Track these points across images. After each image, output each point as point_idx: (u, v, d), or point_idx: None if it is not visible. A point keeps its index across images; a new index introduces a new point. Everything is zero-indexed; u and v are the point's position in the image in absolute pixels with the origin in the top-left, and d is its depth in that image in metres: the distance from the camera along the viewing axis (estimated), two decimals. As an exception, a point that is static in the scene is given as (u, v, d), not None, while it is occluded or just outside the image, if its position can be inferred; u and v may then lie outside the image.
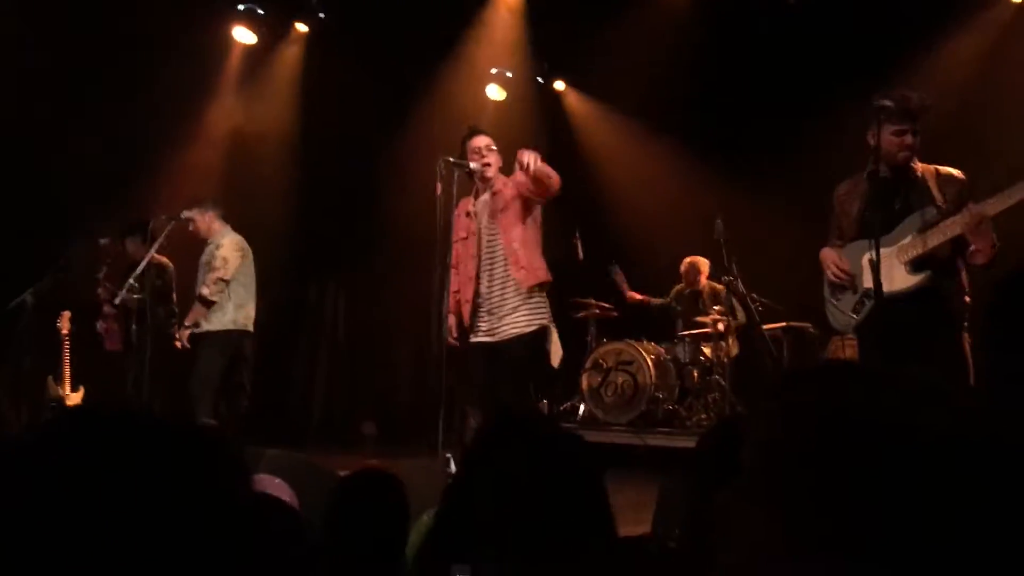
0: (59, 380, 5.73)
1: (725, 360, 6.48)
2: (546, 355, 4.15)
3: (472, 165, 4.20)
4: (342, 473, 2.41)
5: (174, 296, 5.91)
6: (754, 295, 6.42)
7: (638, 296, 7.32)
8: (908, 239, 3.46)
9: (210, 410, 5.19)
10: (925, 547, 0.56)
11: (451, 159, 4.18)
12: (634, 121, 8.06)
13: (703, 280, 7.14)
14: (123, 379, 5.65)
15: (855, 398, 0.64)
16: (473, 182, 4.33)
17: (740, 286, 6.32)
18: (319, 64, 7.76)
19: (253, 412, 5.63)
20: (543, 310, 4.15)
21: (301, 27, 7.84)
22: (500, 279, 4.15)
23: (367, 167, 8.10)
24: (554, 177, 4.00)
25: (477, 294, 4.19)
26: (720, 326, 6.55)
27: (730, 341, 6.63)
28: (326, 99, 7.68)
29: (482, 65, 7.96)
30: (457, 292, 4.26)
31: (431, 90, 7.86)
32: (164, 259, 5.80)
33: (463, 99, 7.78)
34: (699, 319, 6.86)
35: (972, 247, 3.32)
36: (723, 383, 6.39)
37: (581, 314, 7.16)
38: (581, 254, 7.01)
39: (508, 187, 4.21)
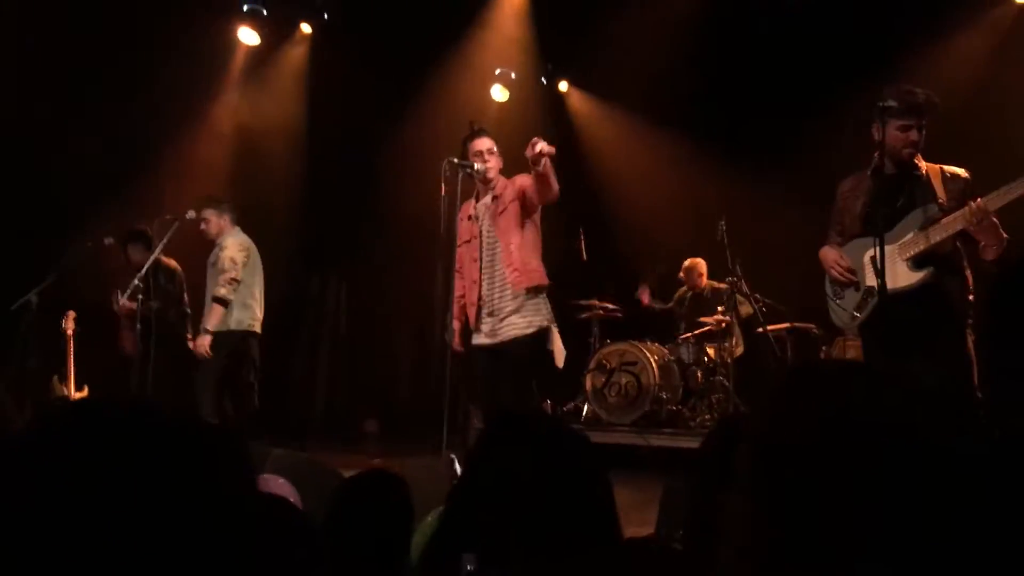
0: (64, 380, 5.74)
1: (729, 361, 6.47)
2: (548, 356, 4.14)
3: (476, 166, 4.20)
4: (346, 473, 2.42)
5: (185, 297, 5.93)
6: (757, 295, 6.42)
7: (645, 301, 7.34)
8: (910, 236, 3.46)
9: (212, 410, 5.19)
10: (925, 547, 0.56)
11: (455, 160, 4.19)
12: (637, 121, 8.06)
13: (703, 281, 7.16)
14: (128, 380, 5.66)
15: (856, 399, 0.64)
16: (475, 183, 4.34)
17: (744, 287, 6.33)
18: (323, 64, 7.77)
19: (256, 409, 5.64)
20: (543, 311, 4.15)
21: (305, 28, 7.86)
22: (500, 281, 4.15)
23: (371, 166, 8.12)
24: (555, 185, 3.99)
25: (479, 296, 4.19)
26: (723, 325, 6.55)
27: (734, 340, 6.62)
28: (330, 98, 7.69)
29: (486, 65, 7.96)
30: (462, 297, 4.26)
31: (435, 90, 7.87)
32: (173, 263, 5.83)
33: (466, 99, 7.78)
34: (702, 319, 6.86)
35: (981, 243, 3.31)
36: (727, 384, 6.39)
37: (584, 315, 7.16)
38: (585, 254, 7.01)
39: (508, 189, 4.21)
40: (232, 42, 7.50)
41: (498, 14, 7.82)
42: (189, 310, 5.91)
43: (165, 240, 5.34)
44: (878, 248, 3.24)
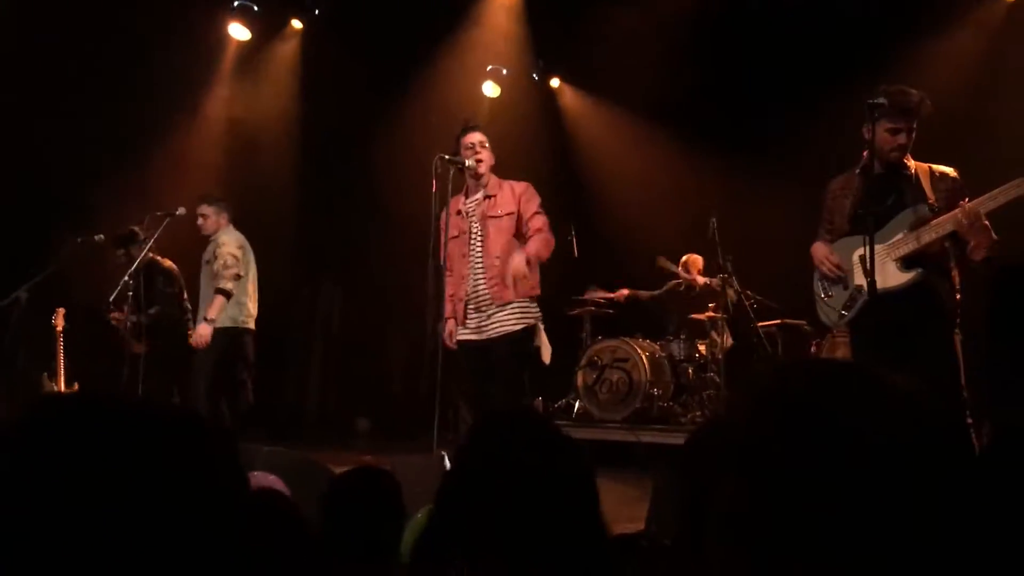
0: (53, 377, 5.71)
1: (720, 357, 6.49)
2: (535, 352, 4.16)
3: (467, 162, 4.21)
4: (337, 471, 2.42)
5: (185, 295, 5.98)
6: (748, 292, 6.44)
7: (625, 291, 7.28)
8: (900, 236, 3.47)
9: (205, 406, 5.19)
10: (910, 548, 0.56)
11: (447, 156, 4.19)
12: (629, 118, 8.07)
13: (699, 277, 7.15)
14: (118, 377, 5.64)
15: (840, 400, 0.64)
16: (465, 178, 4.34)
17: (735, 284, 6.34)
18: (314, 60, 7.75)
19: (249, 405, 5.64)
20: (531, 309, 4.16)
21: (296, 23, 7.83)
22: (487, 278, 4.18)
23: (362, 163, 8.10)
24: (545, 252, 4.16)
25: (467, 292, 4.20)
26: (715, 319, 6.57)
27: (724, 335, 6.63)
28: (321, 95, 7.67)
29: (477, 61, 7.95)
30: (453, 295, 4.27)
31: (427, 87, 7.86)
32: (170, 264, 5.85)
33: (458, 95, 7.77)
34: (693, 316, 6.87)
35: (971, 243, 3.33)
36: (718, 380, 6.41)
37: (576, 311, 7.16)
38: (576, 251, 7.01)
39: (506, 197, 4.21)
40: (223, 37, 7.47)
41: (490, 10, 7.81)
42: (189, 305, 5.93)
43: (156, 235, 5.35)
44: (868, 247, 3.25)
